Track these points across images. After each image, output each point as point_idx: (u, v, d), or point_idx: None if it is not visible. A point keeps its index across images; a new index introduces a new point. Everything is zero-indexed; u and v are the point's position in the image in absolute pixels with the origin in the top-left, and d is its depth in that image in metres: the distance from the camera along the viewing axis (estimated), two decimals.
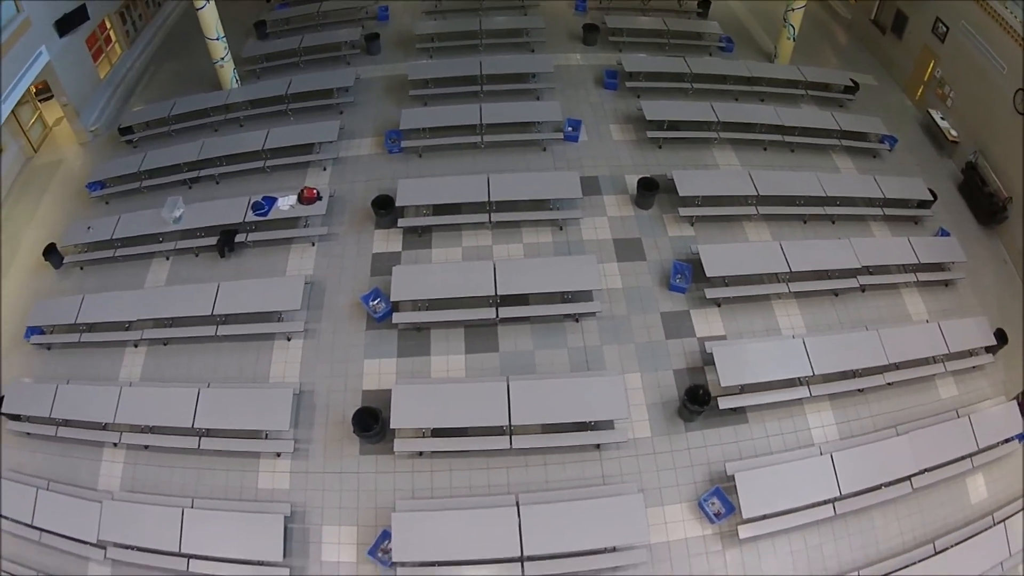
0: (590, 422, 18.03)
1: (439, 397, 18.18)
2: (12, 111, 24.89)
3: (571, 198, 23.25)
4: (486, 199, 22.78)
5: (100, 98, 30.17)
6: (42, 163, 28.26)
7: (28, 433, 19.37)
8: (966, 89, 27.27)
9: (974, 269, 23.43)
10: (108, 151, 28.20)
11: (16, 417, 19.45)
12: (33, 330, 21.44)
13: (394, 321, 20.19)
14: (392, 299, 20.24)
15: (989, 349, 20.92)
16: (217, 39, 27.85)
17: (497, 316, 20.14)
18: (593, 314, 20.81)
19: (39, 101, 29.19)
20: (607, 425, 18.18)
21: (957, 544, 17.05)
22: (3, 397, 19.57)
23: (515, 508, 16.34)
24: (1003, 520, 17.68)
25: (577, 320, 20.82)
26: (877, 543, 17.39)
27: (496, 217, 22.89)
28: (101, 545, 16.96)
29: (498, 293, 20.12)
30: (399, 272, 20.76)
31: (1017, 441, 19.15)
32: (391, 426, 17.55)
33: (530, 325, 20.66)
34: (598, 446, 18.27)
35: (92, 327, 21.20)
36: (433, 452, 18.06)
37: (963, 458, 18.42)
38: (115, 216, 23.70)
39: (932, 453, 18.06)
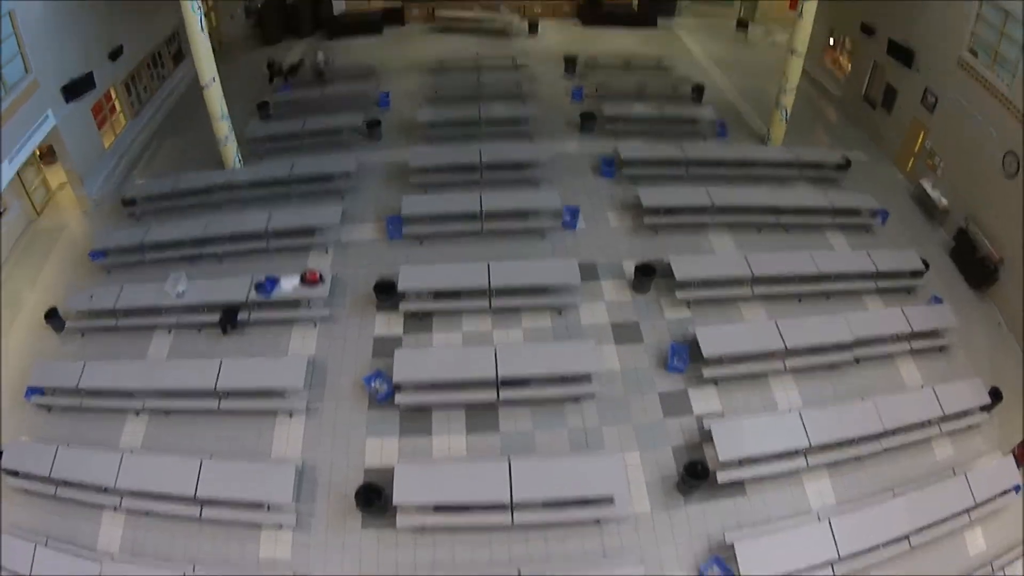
0: (590, 498, 18.57)
1: (442, 475, 18.74)
2: (17, 172, 25.62)
3: (570, 284, 24.01)
4: (486, 285, 23.45)
5: (104, 167, 31.13)
6: (45, 227, 29.01)
7: (27, 490, 19.62)
8: (955, 157, 28.46)
9: (967, 332, 24.30)
10: (111, 220, 28.89)
11: (15, 473, 19.73)
12: (33, 391, 21.76)
13: (396, 402, 20.76)
14: (394, 380, 20.77)
15: (984, 408, 21.65)
16: (221, 118, 28.76)
17: (498, 398, 20.74)
18: (592, 395, 21.44)
19: (43, 165, 30.05)
20: (607, 501, 18.63)
21: None
22: (2, 453, 19.89)
23: None
24: (1003, 568, 18.35)
25: (577, 401, 21.44)
26: None
27: (496, 303, 23.60)
28: None
29: (499, 376, 20.71)
30: (401, 354, 21.31)
31: (1015, 493, 19.77)
32: (394, 502, 17.99)
33: (530, 407, 21.26)
34: (598, 521, 18.78)
35: (94, 393, 21.57)
36: (435, 527, 18.54)
37: (961, 514, 18.98)
38: (118, 286, 24.24)
39: (929, 512, 18.67)
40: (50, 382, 21.74)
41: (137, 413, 21.48)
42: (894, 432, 20.51)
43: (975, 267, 26.27)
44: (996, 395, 21.80)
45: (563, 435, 20.77)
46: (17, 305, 25.23)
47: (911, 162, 31.84)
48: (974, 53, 27.19)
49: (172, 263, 25.86)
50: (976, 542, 19.19)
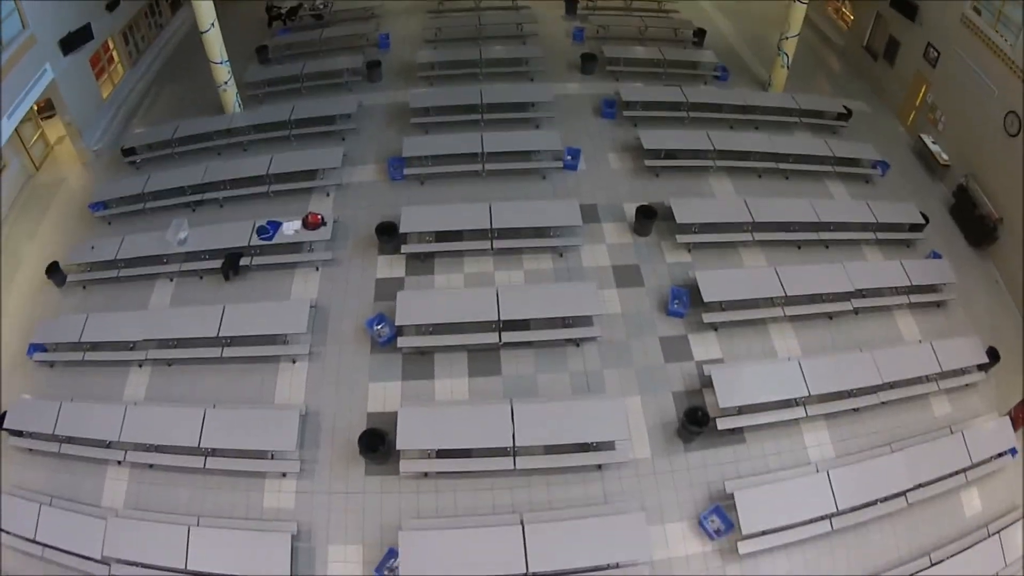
0: (592, 443, 18.43)
1: (444, 419, 18.53)
2: (15, 128, 25.15)
3: (571, 226, 23.68)
4: (488, 226, 23.18)
5: (103, 118, 30.62)
6: (44, 181, 28.59)
7: (31, 449, 19.50)
8: (957, 113, 27.94)
9: (965, 290, 23.99)
10: (111, 171, 28.54)
11: (19, 433, 19.57)
12: (36, 347, 21.58)
13: (398, 346, 20.52)
14: (397, 324, 20.55)
15: (981, 367, 21.46)
16: (221, 63, 28.32)
17: (500, 341, 20.51)
18: (593, 339, 21.21)
19: (41, 119, 29.55)
20: (608, 446, 18.52)
21: (952, 556, 17.46)
22: (5, 413, 19.71)
23: (520, 527, 16.64)
24: (998, 532, 18.10)
25: (578, 345, 21.22)
26: (874, 557, 17.75)
27: (498, 244, 23.30)
28: (105, 562, 17.06)
29: (501, 318, 20.46)
30: (403, 297, 21.07)
31: (1010, 456, 19.64)
32: (397, 447, 17.81)
33: (532, 350, 21.03)
34: (600, 466, 18.66)
35: (96, 346, 21.39)
36: (438, 473, 18.40)
37: (957, 473, 18.88)
38: (119, 236, 23.99)
39: (926, 469, 18.53)
40: (52, 338, 21.55)
41: (140, 364, 21.24)
42: (892, 386, 20.31)
43: (974, 225, 25.88)
44: (993, 355, 21.60)
45: (565, 378, 20.53)
46: (17, 261, 24.92)
47: (912, 116, 31.30)
48: (977, 11, 26.56)
49: (173, 211, 25.59)
50: (972, 503, 19.09)
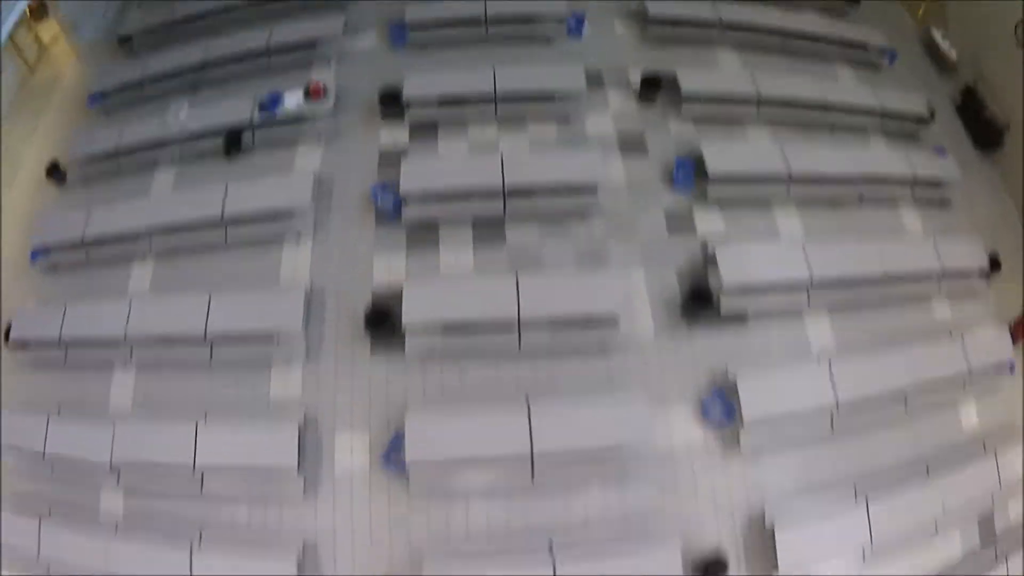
0: (595, 318, 18.22)
1: (450, 293, 18.40)
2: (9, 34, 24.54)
3: (575, 91, 23.00)
4: (491, 92, 22.60)
5: (97, 9, 29.40)
6: (39, 82, 27.88)
7: (35, 362, 19.44)
8: (967, 12, 26.83)
9: (969, 192, 23.38)
10: (108, 63, 27.59)
11: (24, 346, 19.39)
12: (38, 253, 21.30)
13: (403, 216, 20.25)
14: (401, 191, 20.14)
15: (982, 275, 21.03)
16: None
17: (505, 210, 20.26)
18: (598, 208, 20.85)
19: (33, 21, 28.54)
20: (612, 323, 18.28)
21: (950, 471, 17.37)
22: (10, 326, 19.50)
23: (525, 406, 16.56)
24: (994, 449, 18.00)
25: (582, 216, 20.86)
26: (872, 459, 17.65)
27: (501, 110, 22.81)
28: (115, 468, 17.16)
29: (506, 186, 20.11)
30: (408, 164, 20.60)
31: (1008, 371, 19.41)
32: (404, 321, 17.67)
33: (537, 220, 20.70)
34: (603, 348, 18.48)
35: (99, 242, 21.02)
36: (443, 354, 18.24)
37: (956, 379, 18.57)
38: (118, 127, 23.53)
39: (926, 369, 18.10)
40: (54, 238, 21.14)
41: (144, 257, 21.03)
42: (894, 280, 19.89)
43: (981, 127, 25.00)
44: (995, 263, 21.11)
45: (569, 249, 20.27)
46: (16, 166, 24.52)
47: (922, 8, 29.66)
48: None
49: (173, 94, 24.97)
50: (970, 417, 18.93)
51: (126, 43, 27.50)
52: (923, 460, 17.62)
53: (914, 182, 22.31)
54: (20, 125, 25.83)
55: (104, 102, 25.29)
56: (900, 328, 19.62)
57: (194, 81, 25.23)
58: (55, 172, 23.15)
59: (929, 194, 22.62)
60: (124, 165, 23.01)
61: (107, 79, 25.60)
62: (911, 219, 22.35)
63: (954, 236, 21.41)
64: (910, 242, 21.02)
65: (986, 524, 17.50)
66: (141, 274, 20.74)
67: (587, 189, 20.65)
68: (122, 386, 18.83)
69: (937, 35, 27.88)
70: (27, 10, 26.32)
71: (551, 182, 20.43)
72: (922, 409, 18.18)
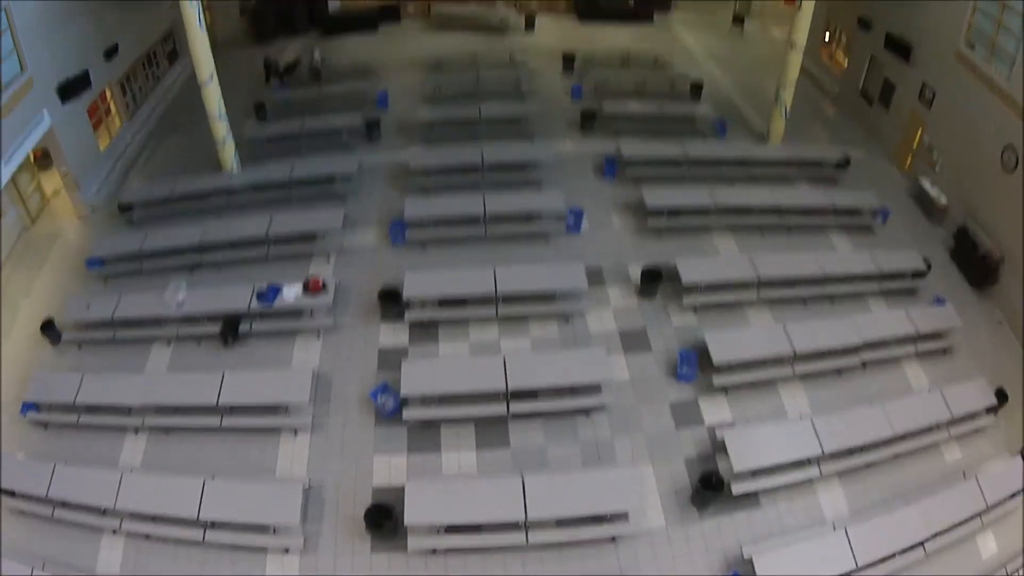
0: (606, 515, 17.84)
1: (454, 493, 17.95)
2: (11, 178, 24.76)
3: (577, 289, 23.30)
4: (492, 292, 22.73)
5: (100, 170, 30.18)
6: (40, 234, 28.00)
7: (22, 511, 18.77)
8: (954, 152, 28.04)
9: (970, 332, 23.80)
10: (107, 227, 28.05)
11: (11, 494, 18.83)
12: (29, 406, 20.86)
13: (404, 417, 20.01)
14: (402, 395, 20.01)
15: (990, 410, 21.15)
16: (219, 118, 27.83)
17: (508, 411, 20.04)
18: (603, 407, 20.76)
19: (38, 169, 29.13)
20: (622, 517, 18.00)
21: None
22: None
23: None
24: (1017, 571, 17.88)
25: (588, 414, 20.75)
26: None
27: (503, 310, 22.89)
28: None
29: (509, 388, 19.96)
30: (408, 367, 20.50)
31: (1022, 495, 19.32)
32: (405, 523, 17.21)
33: (541, 420, 20.55)
34: (614, 538, 18.07)
35: (92, 409, 20.68)
36: (447, 549, 17.77)
37: (972, 518, 18.45)
38: (115, 296, 23.40)
39: (942, 517, 18.15)
40: (47, 397, 20.82)
41: (136, 431, 20.62)
42: (904, 437, 19.99)
43: (976, 266, 25.73)
44: (1002, 396, 21.26)
45: (575, 449, 20.03)
46: (12, 316, 24.30)
47: (909, 159, 31.38)
48: (971, 46, 26.75)
49: (170, 271, 25.11)
50: (988, 545, 18.67)
51: (127, 210, 27.86)
52: None
53: (916, 338, 22.74)
54: (18, 276, 25.87)
55: (102, 268, 25.40)
56: (913, 480, 19.65)
57: (192, 261, 25.45)
58: (49, 329, 22.99)
59: (932, 346, 22.90)
60: (119, 336, 22.93)
61: (107, 246, 25.79)
62: (915, 374, 22.51)
63: (960, 380, 21.57)
64: (917, 397, 21.11)
65: None
66: (133, 447, 20.34)
67: (592, 389, 20.71)
68: (111, 556, 18.16)
69: (926, 183, 29.07)
70: (31, 156, 26.88)
71: (556, 384, 20.44)
72: (941, 551, 17.97)
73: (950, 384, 21.28)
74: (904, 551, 17.51)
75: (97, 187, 29.66)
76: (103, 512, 18.30)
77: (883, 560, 17.28)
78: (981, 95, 26.01)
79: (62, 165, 27.85)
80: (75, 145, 28.28)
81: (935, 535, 17.84)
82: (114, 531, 18.30)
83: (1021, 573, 17.78)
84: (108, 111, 31.71)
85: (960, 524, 18.27)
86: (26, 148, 24.70)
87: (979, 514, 18.49)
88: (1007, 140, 24.47)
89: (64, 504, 18.47)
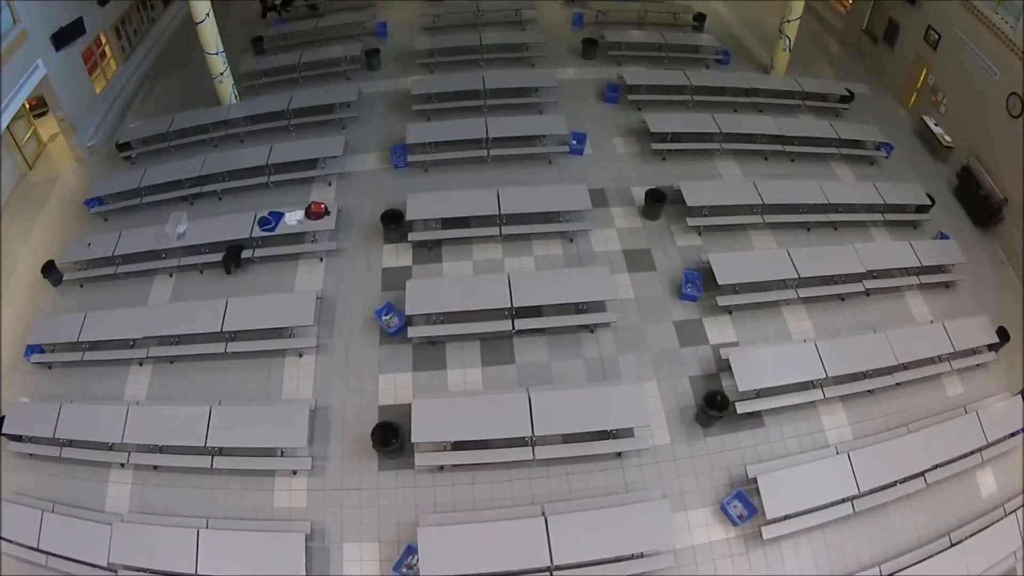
0: (611, 431, 17.84)
1: (460, 410, 17.87)
2: (7, 127, 24.38)
3: (580, 210, 23.16)
4: (496, 212, 22.58)
5: (96, 114, 29.81)
6: (37, 180, 27.73)
7: (30, 454, 18.80)
8: (959, 95, 27.57)
9: (973, 271, 23.68)
10: (105, 167, 27.77)
11: (17, 438, 18.84)
12: (33, 348, 20.83)
13: (409, 336, 19.87)
14: (407, 313, 19.89)
15: (992, 347, 21.22)
16: (216, 54, 27.46)
17: (513, 328, 19.89)
18: (608, 324, 20.63)
19: (33, 116, 28.77)
20: (627, 433, 17.98)
21: (972, 536, 17.24)
22: (3, 417, 18.96)
23: (542, 518, 16.09)
24: (1015, 511, 17.94)
25: (592, 331, 20.65)
26: (895, 539, 17.48)
27: (506, 230, 22.69)
28: (112, 569, 16.38)
29: (513, 305, 19.85)
30: (413, 286, 20.40)
31: (1022, 435, 19.42)
32: (412, 440, 17.17)
33: (545, 337, 20.45)
34: (619, 454, 18.08)
35: (95, 345, 20.67)
36: (454, 465, 17.73)
37: (972, 453, 18.61)
38: (116, 232, 23.22)
39: (943, 449, 18.32)
40: (50, 338, 20.77)
41: (141, 363, 20.51)
42: (906, 367, 20.03)
43: (979, 205, 25.60)
44: (1003, 335, 21.36)
45: (579, 365, 19.95)
46: (13, 261, 24.13)
47: (914, 98, 30.91)
48: None
49: (171, 204, 24.87)
50: (987, 483, 18.88)
51: (125, 149, 27.63)
52: (944, 530, 17.62)
53: (919, 270, 22.66)
54: (17, 222, 25.68)
55: (101, 206, 25.24)
56: (915, 410, 19.76)
57: (192, 193, 25.23)
58: (51, 271, 22.83)
59: (935, 279, 22.82)
60: (121, 271, 22.75)
61: (106, 184, 25.65)
62: (918, 305, 22.49)
63: (962, 316, 21.62)
64: (920, 328, 21.19)
65: None
66: (138, 380, 20.23)
67: (596, 306, 20.62)
68: (119, 490, 18.19)
69: (930, 121, 28.74)
70: (26, 104, 26.51)
71: (560, 301, 20.39)
72: (941, 483, 18.23)
73: (952, 318, 21.43)
74: (905, 480, 17.73)
75: (94, 130, 29.31)
76: (110, 447, 18.33)
77: (884, 488, 17.53)
78: (987, 42, 25.55)
79: (58, 111, 27.57)
80: (71, 91, 27.99)
81: (936, 466, 18.05)
82: (122, 465, 18.37)
83: (1020, 513, 17.83)
84: (104, 55, 31.33)
85: (961, 458, 18.48)
86: (20, 98, 24.49)
87: (979, 450, 18.70)
88: (1012, 88, 24.22)
89: (71, 443, 18.51)
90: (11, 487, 18.31)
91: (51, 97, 27.19)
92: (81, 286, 22.99)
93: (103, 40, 31.12)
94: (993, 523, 17.59)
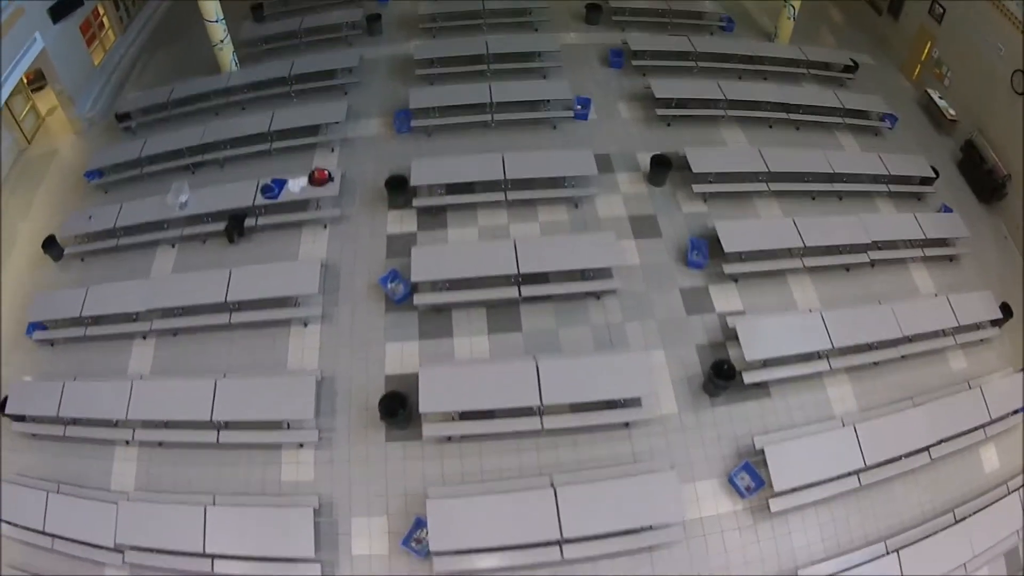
0: (619, 400, 17.67)
1: (468, 379, 17.68)
2: (5, 102, 23.98)
3: (586, 176, 22.92)
4: (501, 177, 22.38)
5: (95, 85, 29.42)
6: (36, 154, 27.40)
7: (34, 434, 18.62)
8: (964, 69, 27.43)
9: (976, 245, 23.60)
10: (105, 139, 27.42)
11: (21, 418, 18.67)
12: (35, 326, 20.57)
13: (415, 303, 19.74)
14: (412, 280, 19.69)
15: (995, 323, 21.22)
16: (216, 21, 27.00)
17: (520, 295, 19.75)
18: (614, 291, 20.49)
19: (31, 91, 28.40)
20: (635, 402, 17.87)
21: (975, 513, 17.30)
22: (6, 397, 18.74)
23: (551, 490, 15.97)
24: (1018, 489, 18.06)
25: (598, 297, 20.50)
26: (900, 513, 17.54)
27: (512, 195, 22.48)
28: (119, 549, 16.22)
29: (520, 272, 19.69)
30: (418, 252, 20.18)
31: (1022, 413, 19.43)
32: (420, 411, 16.99)
33: (552, 304, 20.31)
34: (627, 424, 17.99)
35: (98, 320, 20.44)
36: (462, 436, 17.59)
37: (976, 429, 18.59)
38: (116, 204, 22.94)
39: (947, 423, 18.31)
40: (52, 314, 20.53)
41: (144, 336, 20.29)
42: (911, 339, 20.03)
43: (983, 180, 25.52)
44: (1006, 310, 21.39)
45: (586, 332, 19.82)
46: (12, 238, 23.88)
47: (918, 70, 30.65)
48: None
49: (172, 174, 24.60)
50: (991, 459, 18.98)
51: (124, 120, 27.29)
52: (948, 506, 17.74)
53: (923, 243, 22.57)
54: (16, 198, 25.41)
55: (102, 178, 24.97)
56: (919, 384, 19.70)
57: (193, 162, 25.00)
58: (51, 246, 22.57)
59: (939, 252, 22.75)
60: (123, 243, 22.50)
61: (105, 156, 25.33)
62: (922, 278, 22.40)
63: (965, 291, 21.57)
64: (924, 301, 21.18)
65: (1012, 557, 17.55)
66: (142, 354, 20.04)
67: (602, 273, 20.42)
68: (125, 467, 18.05)
69: (934, 94, 28.55)
70: (24, 79, 26.18)
71: (566, 267, 20.23)
72: (945, 459, 18.25)
73: (955, 291, 21.44)
74: (909, 454, 17.78)
75: (92, 102, 28.97)
76: (114, 424, 18.17)
77: (889, 461, 17.57)
78: (992, 18, 25.35)
79: (56, 84, 27.24)
80: (69, 63, 27.61)
81: (940, 441, 18.09)
82: (127, 442, 18.17)
83: (1022, 492, 17.94)
84: (101, 26, 30.84)
85: (964, 433, 18.51)
86: (18, 73, 24.21)
87: (983, 426, 18.71)
88: (1017, 64, 24.13)
89: (74, 421, 18.35)
90: (14, 468, 18.15)
91: (49, 70, 26.86)
92: (82, 260, 22.75)
93: (101, 11, 30.61)
94: (996, 501, 17.71)
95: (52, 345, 20.61)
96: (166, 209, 22.35)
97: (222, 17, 27.07)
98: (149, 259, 22.36)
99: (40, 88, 28.56)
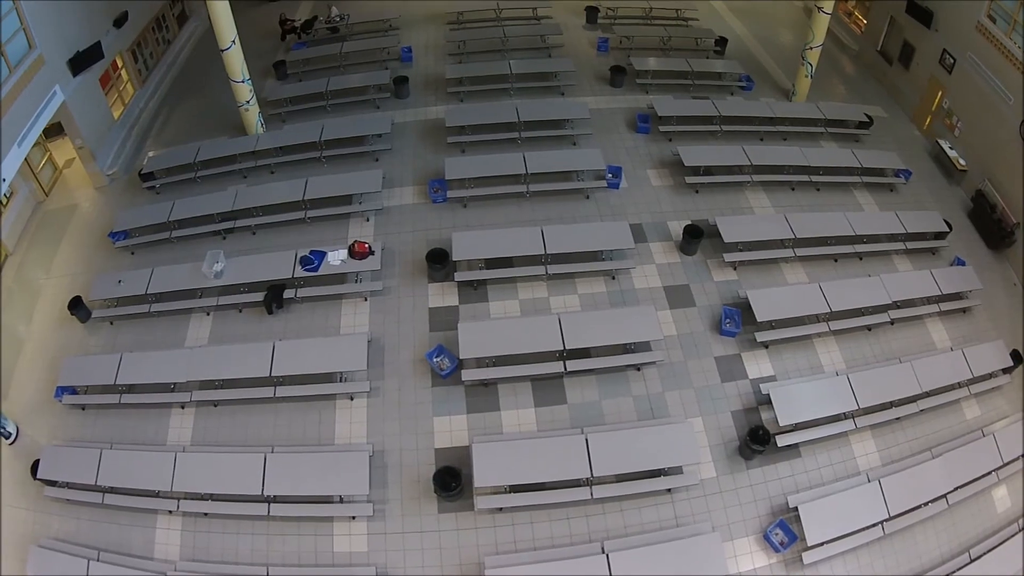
0: (664, 468, 19.10)
1: (520, 453, 18.91)
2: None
3: (624, 248, 24.30)
4: (542, 252, 23.48)
5: (115, 139, 30.37)
6: (56, 207, 28.14)
7: (68, 500, 19.23)
8: (973, 119, 29.19)
9: (987, 293, 25.38)
10: (127, 196, 28.34)
11: (52, 483, 19.29)
12: (64, 389, 21.13)
13: (463, 379, 20.81)
14: (460, 357, 20.76)
15: (1006, 370, 22.92)
16: (242, 81, 27.98)
17: (565, 370, 20.94)
18: (655, 363, 21.76)
19: (48, 141, 29.16)
20: (677, 470, 19.38)
21: (990, 551, 19.03)
22: (37, 461, 19.36)
23: (603, 556, 17.26)
24: None
25: (639, 369, 21.81)
26: (920, 557, 19.12)
27: (552, 269, 23.60)
28: None
29: (566, 347, 20.84)
30: (465, 329, 21.25)
31: None
32: (476, 485, 18.14)
33: (595, 376, 21.55)
34: (669, 489, 19.39)
35: (132, 388, 21.14)
36: (513, 507, 18.73)
37: (989, 473, 20.43)
38: (147, 269, 23.72)
39: (963, 471, 20.11)
40: (84, 379, 21.19)
41: (183, 406, 21.21)
42: (929, 394, 21.70)
43: (992, 228, 27.31)
44: (1016, 357, 23.08)
45: (628, 403, 21.18)
46: (34, 295, 24.53)
47: (928, 120, 32.45)
48: (992, 19, 27.61)
49: (201, 239, 25.60)
50: (1003, 500, 20.58)
51: (148, 179, 28.15)
52: (964, 547, 19.37)
53: (939, 298, 24.25)
54: (36, 254, 26.08)
55: (128, 240, 25.70)
56: (937, 434, 21.51)
57: (224, 228, 25.83)
58: (78, 307, 23.22)
59: (953, 306, 24.55)
60: (155, 309, 23.22)
61: (132, 217, 26.06)
62: (938, 332, 24.15)
63: (978, 340, 23.57)
64: (941, 356, 22.61)
65: None
66: (181, 424, 20.87)
67: (642, 345, 21.83)
68: (169, 537, 18.75)
69: (945, 145, 30.33)
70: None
71: (610, 342, 21.43)
72: (961, 503, 19.90)
73: (969, 343, 23.30)
74: (929, 502, 19.45)
75: (113, 156, 29.79)
76: (156, 493, 18.84)
77: (911, 510, 19.22)
78: (1001, 67, 26.98)
79: (76, 138, 27.96)
80: (89, 117, 28.40)
81: (956, 488, 19.81)
82: (170, 512, 18.90)
83: None
84: (120, 79, 31.92)
85: (979, 479, 20.28)
86: (39, 128, 24.60)
87: (995, 470, 20.54)
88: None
89: (111, 489, 18.99)
90: (49, 533, 18.94)
91: (69, 124, 27.63)
92: (111, 323, 23.48)
93: (120, 63, 31.81)
94: (1009, 538, 19.37)
95: (83, 409, 21.33)
96: (200, 277, 23.20)
97: (248, 77, 28.08)
98: (183, 327, 23.18)
99: (56, 137, 29.38)
